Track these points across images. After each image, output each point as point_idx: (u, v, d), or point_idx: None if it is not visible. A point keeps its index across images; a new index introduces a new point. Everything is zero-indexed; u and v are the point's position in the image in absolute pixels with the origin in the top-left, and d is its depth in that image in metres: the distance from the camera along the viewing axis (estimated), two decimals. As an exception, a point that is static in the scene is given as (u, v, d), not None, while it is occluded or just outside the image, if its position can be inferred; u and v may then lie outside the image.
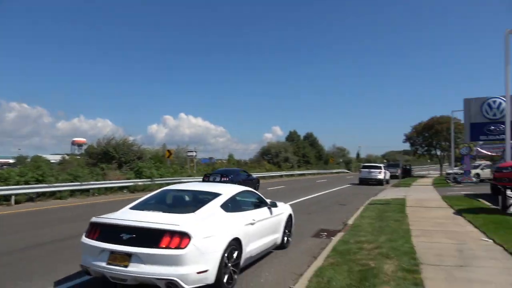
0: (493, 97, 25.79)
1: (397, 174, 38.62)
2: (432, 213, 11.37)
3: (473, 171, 27.77)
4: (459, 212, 11.02)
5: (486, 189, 20.82)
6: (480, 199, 13.97)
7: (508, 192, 11.39)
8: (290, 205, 8.18)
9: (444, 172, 46.51)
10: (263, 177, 39.23)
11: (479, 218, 9.47)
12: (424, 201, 14.93)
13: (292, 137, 56.12)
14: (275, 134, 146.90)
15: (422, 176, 45.07)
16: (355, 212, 12.53)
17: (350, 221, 10.01)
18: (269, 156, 48.25)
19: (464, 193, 18.23)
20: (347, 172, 64.85)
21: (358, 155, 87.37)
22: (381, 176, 28.32)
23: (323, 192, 21.15)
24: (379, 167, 29.16)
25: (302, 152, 54.03)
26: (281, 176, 43.23)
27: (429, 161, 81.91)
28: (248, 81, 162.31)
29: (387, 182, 30.42)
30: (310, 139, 60.44)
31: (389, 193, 19.70)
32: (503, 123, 26.66)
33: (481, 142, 25.87)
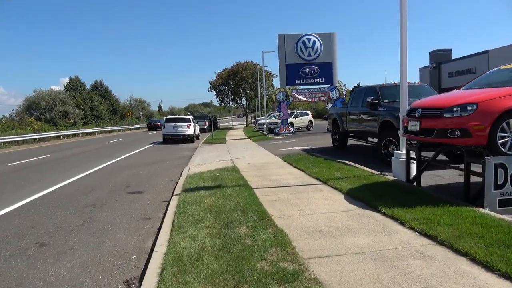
0: (307, 34, 22.83)
1: (205, 127, 33.86)
2: (314, 205, 5.59)
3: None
4: (361, 200, 5.62)
5: (313, 140, 17.64)
6: (344, 161, 9.35)
7: (411, 154, 6.75)
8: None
9: (252, 123, 45.17)
10: (25, 141, 27.41)
11: (446, 228, 4.11)
12: (268, 170, 9.37)
13: (73, 85, 43.08)
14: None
15: (229, 128, 42.23)
16: (160, 218, 5.67)
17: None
18: (39, 111, 35.14)
19: (299, 149, 13.97)
20: (149, 127, 57.16)
21: (160, 107, 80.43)
22: (190, 131, 22.29)
23: (108, 163, 13.23)
24: (188, 120, 23.01)
25: (90, 105, 42.60)
26: (58, 137, 31.83)
27: (232, 112, 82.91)
28: (21, 23, 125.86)
29: (198, 137, 24.81)
30: (100, 89, 48.79)
31: (207, 156, 13.63)
32: (318, 64, 24.68)
33: (300, 87, 22.98)
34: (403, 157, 6.97)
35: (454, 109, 5.09)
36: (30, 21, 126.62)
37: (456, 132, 5.00)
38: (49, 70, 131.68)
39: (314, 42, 22.45)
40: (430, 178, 7.27)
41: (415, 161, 6.77)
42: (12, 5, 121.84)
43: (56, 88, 39.65)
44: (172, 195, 7.16)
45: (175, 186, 8.17)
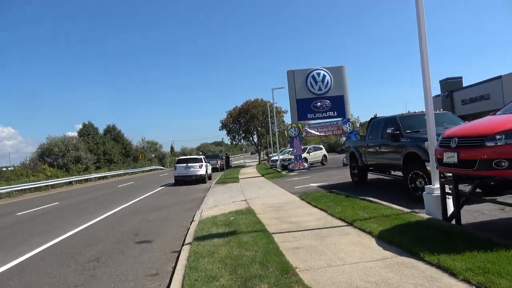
0: (317, 68, 22.76)
1: (217, 166, 33.47)
2: (343, 253, 4.89)
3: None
4: (397, 245, 4.91)
5: (330, 175, 16.95)
6: (368, 198, 8.63)
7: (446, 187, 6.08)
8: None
9: (264, 159, 44.72)
10: (37, 189, 27.28)
11: None
12: (286, 211, 8.70)
13: (86, 130, 43.77)
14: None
15: (242, 166, 41.76)
16: (169, 273, 5.06)
17: None
18: (53, 158, 35.37)
19: (316, 185, 13.28)
20: (161, 169, 57.13)
21: (172, 148, 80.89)
22: (202, 172, 21.82)
23: (117, 209, 12.70)
24: (199, 160, 22.64)
25: (103, 149, 42.89)
26: (70, 183, 31.67)
27: (243, 150, 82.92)
28: (31, 71, 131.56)
29: (210, 177, 24.30)
30: (113, 133, 49.39)
31: (220, 198, 13.02)
32: (329, 98, 24.41)
33: (312, 121, 22.57)
34: (437, 192, 6.28)
35: (497, 137, 4.48)
36: (43, 69, 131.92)
37: (503, 163, 4.36)
38: (65, 118, 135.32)
39: (324, 76, 22.29)
40: (468, 214, 6.52)
41: (450, 196, 6.09)
42: (30, 50, 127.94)
43: (71, 134, 40.35)
44: (183, 244, 6.54)
45: (186, 233, 7.54)
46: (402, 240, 5.00)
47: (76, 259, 6.41)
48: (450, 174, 6.37)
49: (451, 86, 44.18)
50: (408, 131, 8.97)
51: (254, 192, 13.54)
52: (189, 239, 6.77)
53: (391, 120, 9.72)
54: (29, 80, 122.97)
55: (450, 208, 6.11)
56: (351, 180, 12.99)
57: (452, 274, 3.76)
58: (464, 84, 44.76)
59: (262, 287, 3.86)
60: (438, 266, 4.00)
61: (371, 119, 11.32)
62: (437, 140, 6.28)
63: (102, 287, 4.88)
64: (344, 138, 21.76)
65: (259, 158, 46.94)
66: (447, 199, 6.09)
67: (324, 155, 28.09)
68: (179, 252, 6.12)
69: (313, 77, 22.32)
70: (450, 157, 5.09)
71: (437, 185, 6.31)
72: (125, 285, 4.92)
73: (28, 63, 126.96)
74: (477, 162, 4.64)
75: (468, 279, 3.55)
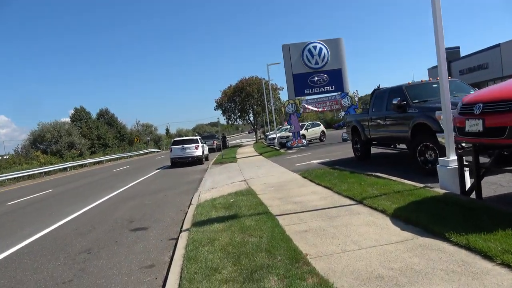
0: (313, 41, 21.95)
1: (214, 146, 32.95)
2: (357, 235, 4.43)
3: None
4: (415, 224, 4.46)
5: (330, 151, 16.49)
6: (375, 173, 8.15)
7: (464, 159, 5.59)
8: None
9: (261, 138, 44.17)
10: (30, 176, 26.73)
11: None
12: (288, 191, 8.24)
13: (79, 115, 42.74)
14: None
15: (239, 146, 41.24)
16: (166, 264, 4.61)
17: None
18: (45, 144, 34.60)
19: (317, 162, 12.82)
20: (157, 152, 56.54)
21: (167, 131, 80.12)
22: (199, 153, 21.31)
23: (112, 194, 12.21)
24: (195, 141, 22.10)
25: (96, 134, 42.08)
26: (64, 169, 31.09)
27: (240, 129, 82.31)
28: (25, 59, 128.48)
29: (207, 158, 23.83)
30: (106, 117, 48.41)
31: (218, 179, 12.56)
32: (326, 72, 23.69)
33: (309, 97, 21.89)
34: (453, 165, 5.79)
35: (530, 100, 3.95)
36: (35, 56, 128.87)
37: (539, 129, 3.84)
38: (58, 104, 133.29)
39: (321, 49, 21.53)
40: (486, 187, 6.03)
41: (467, 169, 5.63)
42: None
43: (63, 120, 39.43)
44: (181, 231, 6.07)
45: (184, 218, 7.08)
46: (421, 218, 4.54)
47: (66, 251, 5.94)
48: (465, 144, 5.89)
49: (448, 56, 42.74)
50: (416, 101, 8.42)
51: (253, 172, 13.07)
52: (187, 224, 6.31)
53: (396, 90, 9.14)
54: (23, 67, 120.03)
55: (467, 181, 5.66)
56: (353, 155, 12.52)
57: (487, 257, 3.30)
58: (462, 54, 44.02)
59: (271, 280, 3.38)
60: (468, 248, 3.54)
61: (374, 90, 10.73)
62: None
63: (92, 284, 4.41)
64: (343, 113, 21.21)
65: (256, 137, 46.40)
66: (464, 172, 5.63)
67: (323, 131, 27.59)
68: (177, 239, 5.66)
69: (310, 50, 21.56)
70: (474, 125, 4.57)
71: (453, 157, 5.83)
72: (118, 279, 4.46)
73: (23, 55, 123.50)
74: (507, 129, 4.11)
75: (508, 263, 3.09)
